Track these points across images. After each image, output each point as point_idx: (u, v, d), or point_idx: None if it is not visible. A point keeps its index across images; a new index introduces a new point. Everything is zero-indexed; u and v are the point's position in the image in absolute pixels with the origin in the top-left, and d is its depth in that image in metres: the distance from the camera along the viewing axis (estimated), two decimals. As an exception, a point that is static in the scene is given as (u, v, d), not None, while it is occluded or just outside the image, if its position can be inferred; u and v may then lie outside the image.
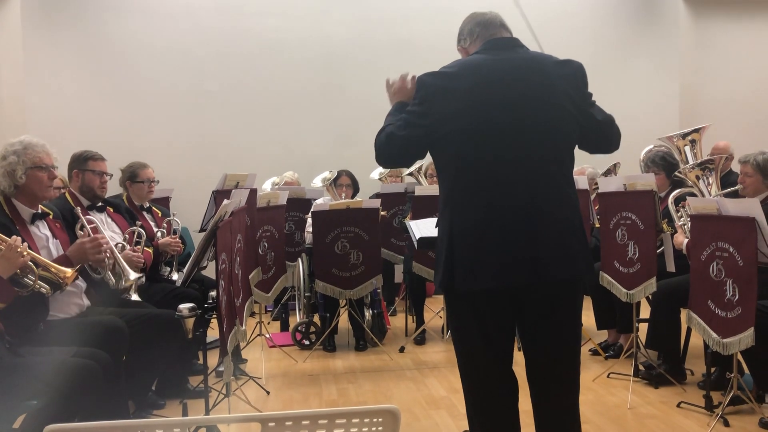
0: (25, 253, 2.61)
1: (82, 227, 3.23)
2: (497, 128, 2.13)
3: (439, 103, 2.16)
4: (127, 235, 3.69)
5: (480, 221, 2.14)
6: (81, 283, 3.19)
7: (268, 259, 4.58)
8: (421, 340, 5.14)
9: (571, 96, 2.19)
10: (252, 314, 4.61)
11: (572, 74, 2.22)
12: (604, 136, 2.31)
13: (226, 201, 3.11)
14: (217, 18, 7.08)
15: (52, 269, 2.76)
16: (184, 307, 2.87)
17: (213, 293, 3.00)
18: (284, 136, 7.13)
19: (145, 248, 3.68)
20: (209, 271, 3.58)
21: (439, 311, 5.22)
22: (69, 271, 2.79)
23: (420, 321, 5.27)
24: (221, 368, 3.67)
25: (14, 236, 2.64)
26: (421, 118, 2.19)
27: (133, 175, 4.24)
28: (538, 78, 2.17)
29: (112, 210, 3.79)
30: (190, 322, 2.87)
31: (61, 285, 2.77)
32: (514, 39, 2.29)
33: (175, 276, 4.12)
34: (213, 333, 3.92)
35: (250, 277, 3.95)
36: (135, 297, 3.35)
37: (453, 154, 2.18)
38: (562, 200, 2.18)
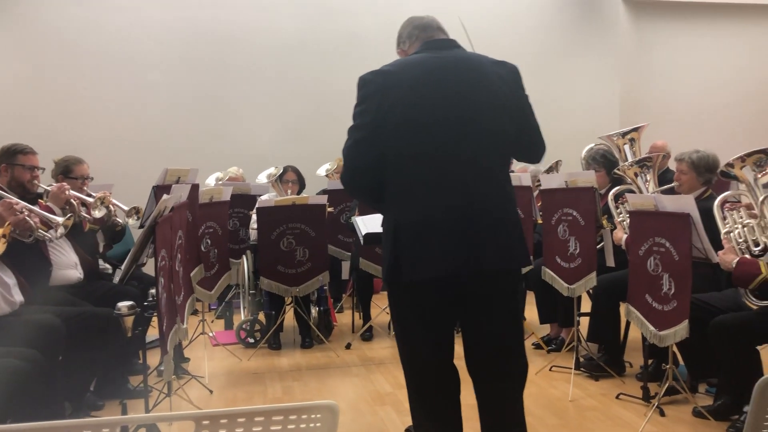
0: None
1: None
2: (438, 124, 2.15)
3: (379, 100, 2.17)
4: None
5: (422, 215, 2.16)
6: (9, 279, 3.07)
7: (211, 256, 4.49)
8: (367, 337, 5.14)
9: (508, 96, 2.24)
10: (194, 312, 4.52)
11: (509, 75, 2.27)
12: (533, 142, 2.34)
13: (165, 196, 3.04)
14: (160, 8, 6.90)
15: None
16: (123, 305, 2.82)
17: (153, 291, 2.94)
18: (229, 131, 7.01)
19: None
20: (149, 269, 3.49)
21: (386, 307, 5.21)
22: None
23: (367, 317, 5.27)
24: (162, 367, 3.58)
25: None
26: (363, 117, 2.20)
27: (66, 170, 4.07)
28: (477, 76, 2.21)
29: (44, 203, 3.65)
30: (129, 321, 2.82)
31: None
32: (451, 40, 2.34)
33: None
34: (154, 332, 3.82)
35: (191, 274, 3.88)
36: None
37: (394, 150, 2.18)
38: (501, 197, 2.23)
